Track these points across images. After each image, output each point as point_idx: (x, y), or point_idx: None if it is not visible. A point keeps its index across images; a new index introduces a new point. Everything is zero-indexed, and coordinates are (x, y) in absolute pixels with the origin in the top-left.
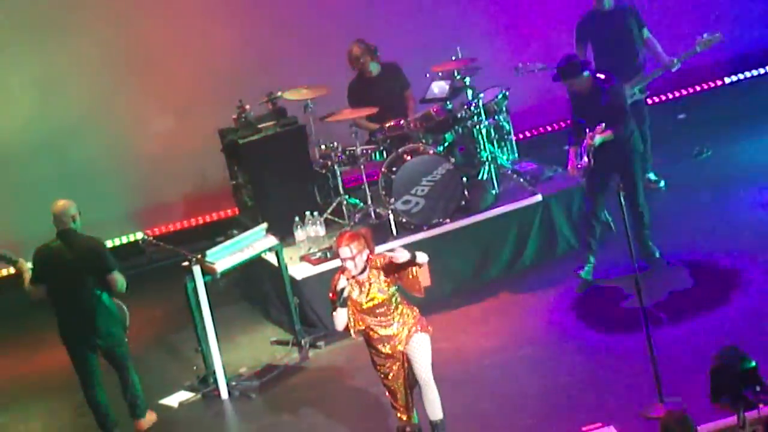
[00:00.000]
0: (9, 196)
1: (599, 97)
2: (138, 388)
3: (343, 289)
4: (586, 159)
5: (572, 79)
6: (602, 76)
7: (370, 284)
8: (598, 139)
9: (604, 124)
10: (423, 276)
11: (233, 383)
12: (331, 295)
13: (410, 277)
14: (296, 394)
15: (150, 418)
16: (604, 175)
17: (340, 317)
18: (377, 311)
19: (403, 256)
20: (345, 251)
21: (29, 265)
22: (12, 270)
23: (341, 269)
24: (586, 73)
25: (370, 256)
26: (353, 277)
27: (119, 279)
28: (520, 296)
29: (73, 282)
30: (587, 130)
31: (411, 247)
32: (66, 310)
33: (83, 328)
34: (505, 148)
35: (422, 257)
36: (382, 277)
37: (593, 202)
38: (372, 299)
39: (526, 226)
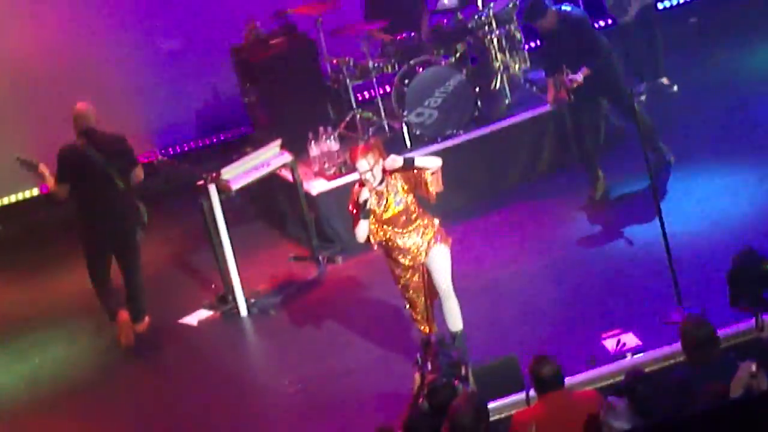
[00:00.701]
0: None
1: (567, 35)
2: (142, 291)
3: (366, 201)
4: (565, 94)
5: (540, 20)
6: (567, 8)
7: (388, 194)
8: (580, 78)
9: (583, 67)
10: (436, 182)
11: (252, 301)
12: (350, 208)
13: (425, 182)
14: (315, 310)
15: (146, 321)
16: (589, 101)
17: (363, 229)
18: (397, 221)
19: (396, 162)
20: (362, 164)
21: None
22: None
23: (359, 182)
24: (552, 9)
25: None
26: (373, 188)
27: (142, 173)
28: (537, 205)
29: (99, 178)
30: (564, 66)
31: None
32: (89, 207)
33: (104, 225)
34: (517, 58)
35: (433, 161)
36: (400, 185)
37: (584, 128)
38: (391, 209)
39: (540, 134)
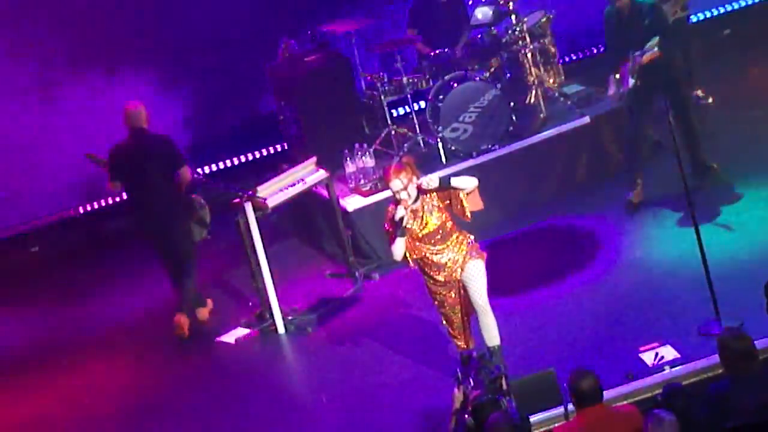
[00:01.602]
0: None
1: (642, 17)
2: (191, 287)
3: (402, 218)
4: (631, 80)
5: None
6: None
7: (423, 212)
8: (646, 58)
9: (652, 43)
10: (473, 200)
11: (289, 318)
12: (386, 226)
13: (460, 202)
14: (353, 326)
15: (204, 310)
16: (649, 95)
17: (399, 247)
18: (432, 239)
19: (431, 182)
20: (396, 183)
21: None
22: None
23: (394, 201)
24: None
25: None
26: (409, 206)
27: (188, 174)
28: (573, 220)
29: (145, 177)
30: (631, 52)
31: (460, 174)
32: (138, 204)
33: (153, 222)
34: (551, 72)
35: (469, 182)
36: (435, 203)
37: (638, 124)
38: (426, 226)
39: (575, 149)
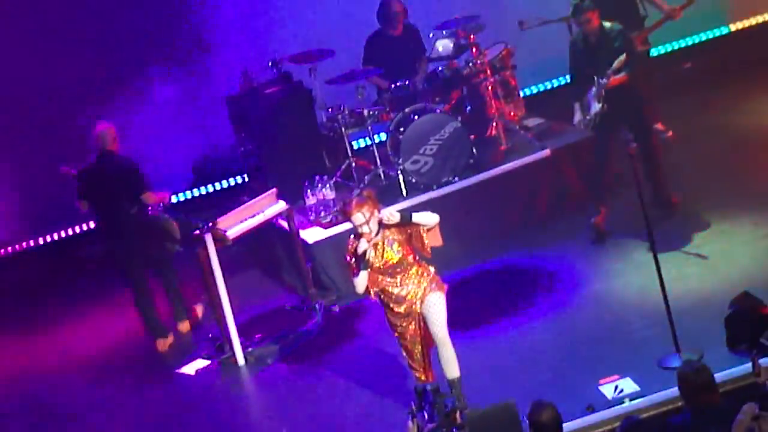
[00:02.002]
0: None
1: (610, 41)
2: (178, 298)
3: (365, 252)
4: (597, 105)
5: (589, 14)
6: (608, 24)
7: (383, 244)
8: (613, 80)
9: (619, 61)
10: (432, 236)
11: (249, 350)
12: (348, 258)
13: (420, 237)
14: (313, 359)
15: (186, 324)
16: (615, 122)
17: (362, 280)
18: (392, 271)
19: (393, 217)
20: (358, 217)
21: None
22: None
23: (356, 233)
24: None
25: (380, 216)
26: (371, 239)
27: (152, 198)
28: (533, 251)
29: (110, 199)
30: (597, 78)
31: (420, 207)
32: (104, 224)
33: (120, 243)
34: (512, 104)
35: (430, 218)
36: (395, 236)
37: (604, 150)
38: (387, 259)
39: (536, 181)
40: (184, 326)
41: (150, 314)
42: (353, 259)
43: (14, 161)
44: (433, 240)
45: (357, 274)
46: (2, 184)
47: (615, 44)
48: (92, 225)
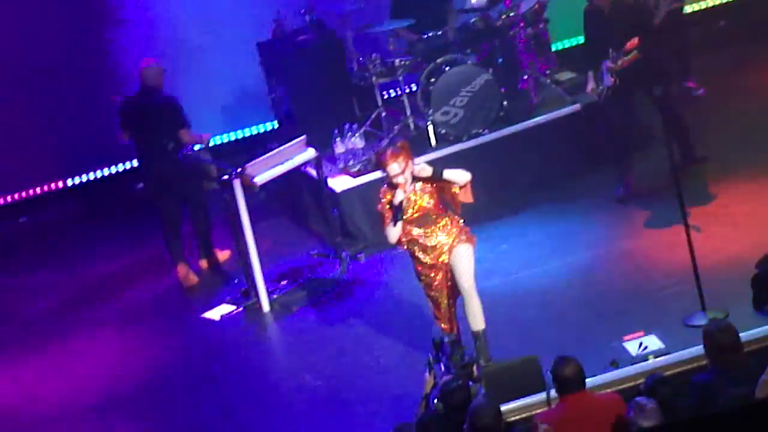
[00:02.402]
0: None
1: (623, 15)
2: (206, 235)
3: (401, 203)
4: (610, 79)
5: None
6: None
7: (415, 195)
8: (625, 61)
9: (633, 44)
10: (464, 193)
11: (274, 296)
12: (380, 208)
13: (451, 193)
14: (338, 307)
15: (218, 256)
16: (630, 92)
17: (396, 231)
18: (422, 222)
19: (424, 171)
20: (394, 167)
21: None
22: None
23: (388, 183)
24: None
25: (413, 168)
26: (406, 190)
27: (189, 137)
28: (560, 206)
29: (149, 133)
30: (610, 51)
31: (450, 159)
32: (143, 156)
33: (157, 176)
34: (543, 58)
35: (462, 176)
36: (427, 187)
37: (622, 119)
38: (418, 210)
39: (566, 135)
40: (205, 263)
41: (175, 244)
42: (387, 209)
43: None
44: (463, 197)
45: (392, 224)
46: (40, 120)
47: (628, 19)
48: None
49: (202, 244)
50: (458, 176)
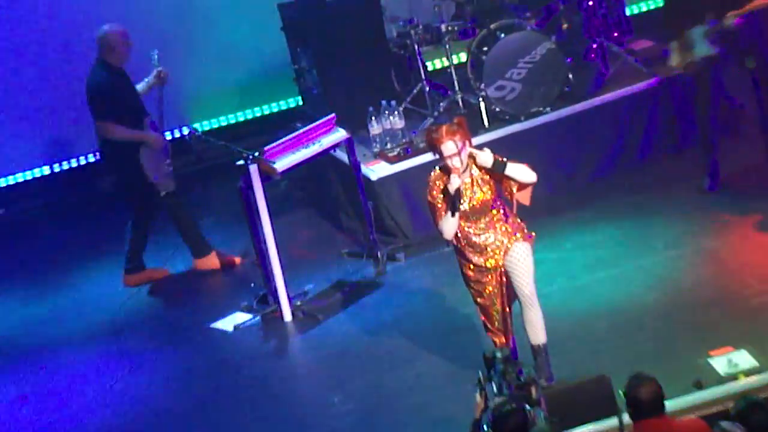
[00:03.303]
0: None
1: None
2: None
3: (458, 191)
4: (706, 48)
5: None
6: None
7: (473, 183)
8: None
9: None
10: (523, 194)
11: (297, 303)
12: (431, 198)
13: (509, 189)
14: (371, 316)
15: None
16: (726, 65)
17: (452, 225)
18: (475, 215)
19: (485, 159)
20: (450, 146)
21: None
22: None
23: (441, 167)
24: None
25: (470, 150)
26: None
27: (113, 131)
28: (635, 198)
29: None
30: (706, 18)
31: (501, 145)
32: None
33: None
34: (615, 24)
35: (526, 175)
36: (485, 177)
37: (714, 96)
38: (475, 201)
39: (641, 115)
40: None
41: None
42: (441, 199)
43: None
44: (521, 197)
45: (450, 214)
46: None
47: None
48: None
49: (189, 243)
50: (523, 175)
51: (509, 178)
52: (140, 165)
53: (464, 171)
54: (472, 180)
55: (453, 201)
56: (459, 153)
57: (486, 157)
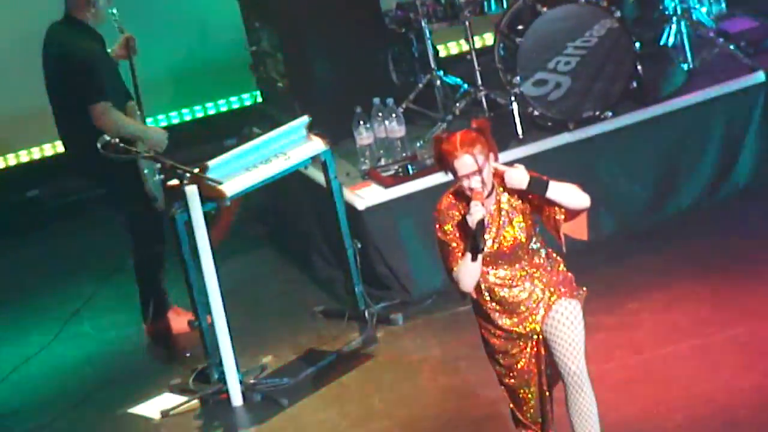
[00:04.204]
0: None
1: None
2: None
3: (481, 222)
4: None
5: None
6: None
7: (500, 214)
8: None
9: None
10: (576, 224)
11: (252, 381)
12: (442, 234)
13: (554, 218)
14: (357, 400)
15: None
16: None
17: (473, 271)
18: (504, 259)
19: (519, 179)
20: (467, 162)
21: None
22: None
23: (457, 190)
24: None
25: (495, 167)
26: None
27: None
28: (730, 241)
29: (57, 100)
30: None
31: (541, 162)
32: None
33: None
34: None
35: (577, 198)
36: (516, 202)
37: None
38: (504, 240)
39: (741, 122)
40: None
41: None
42: (456, 236)
43: None
44: (572, 229)
45: (469, 259)
46: None
47: None
48: None
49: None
50: (572, 197)
51: (552, 204)
52: (139, 171)
53: (488, 196)
54: (500, 209)
55: (474, 239)
56: (480, 171)
57: (519, 176)
